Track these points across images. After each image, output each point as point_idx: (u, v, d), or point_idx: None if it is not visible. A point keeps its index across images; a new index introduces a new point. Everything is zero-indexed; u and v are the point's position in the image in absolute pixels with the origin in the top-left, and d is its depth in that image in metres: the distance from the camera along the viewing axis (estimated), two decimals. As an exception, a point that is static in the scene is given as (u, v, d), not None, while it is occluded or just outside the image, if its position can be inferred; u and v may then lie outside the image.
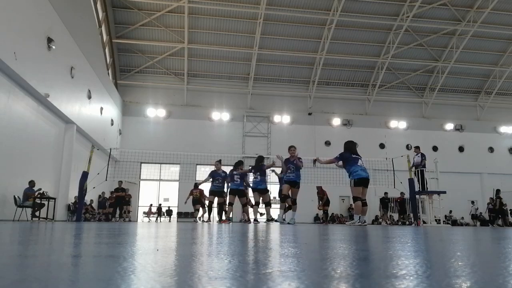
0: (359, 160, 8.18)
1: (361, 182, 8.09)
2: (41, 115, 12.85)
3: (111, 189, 17.46)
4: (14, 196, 11.05)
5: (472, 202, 22.80)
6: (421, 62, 24.87)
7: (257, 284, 0.73)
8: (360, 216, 7.98)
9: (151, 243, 1.97)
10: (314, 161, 11.55)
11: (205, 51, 23.40)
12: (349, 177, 8.19)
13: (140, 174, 21.56)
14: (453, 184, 21.12)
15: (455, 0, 21.85)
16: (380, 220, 18.78)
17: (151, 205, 21.79)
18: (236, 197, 10.45)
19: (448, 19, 22.77)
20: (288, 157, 9.88)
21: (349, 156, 8.18)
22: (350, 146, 8.33)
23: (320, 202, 14.89)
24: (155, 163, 21.32)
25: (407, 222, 17.02)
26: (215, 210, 11.61)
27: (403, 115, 25.79)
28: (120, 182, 16.46)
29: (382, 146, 24.65)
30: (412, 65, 25.11)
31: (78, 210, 12.31)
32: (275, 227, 6.54)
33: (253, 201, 10.73)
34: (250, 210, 11.03)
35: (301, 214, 16.60)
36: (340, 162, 8.21)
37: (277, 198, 12.35)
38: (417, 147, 13.73)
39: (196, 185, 16.19)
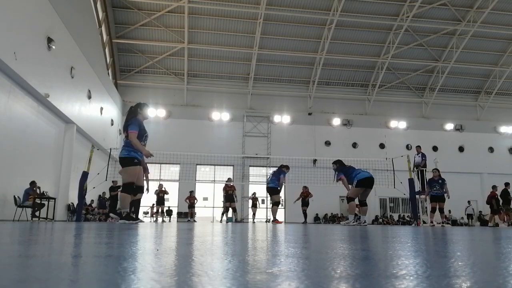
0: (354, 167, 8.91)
1: (364, 182, 8.25)
2: (41, 115, 12.86)
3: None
4: (14, 196, 11.05)
5: (468, 202, 22.84)
6: (421, 62, 24.87)
7: (257, 284, 0.73)
8: (360, 217, 8.05)
9: (151, 243, 1.97)
10: (314, 161, 12.21)
11: (205, 51, 23.40)
12: (352, 181, 8.43)
13: (140, 174, 21.54)
14: (453, 184, 21.06)
15: (455, 0, 21.86)
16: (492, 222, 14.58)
17: (153, 205, 21.75)
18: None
19: (448, 19, 22.77)
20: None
21: (344, 167, 8.81)
22: (341, 161, 8.96)
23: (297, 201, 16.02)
24: (155, 163, 21.29)
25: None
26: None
27: (403, 115, 25.79)
28: (115, 182, 16.49)
29: (382, 146, 24.65)
30: (412, 65, 25.11)
31: (78, 210, 12.32)
32: (277, 227, 6.54)
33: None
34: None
35: (301, 214, 16.67)
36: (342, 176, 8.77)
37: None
38: (419, 147, 13.71)
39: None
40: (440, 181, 11.85)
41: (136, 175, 5.98)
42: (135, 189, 6.22)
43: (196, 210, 18.68)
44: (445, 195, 11.74)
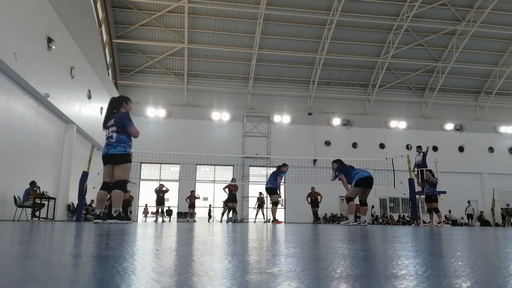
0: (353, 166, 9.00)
1: (364, 182, 8.27)
2: (41, 115, 12.86)
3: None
4: (14, 196, 11.05)
5: (468, 202, 22.88)
6: (421, 62, 24.87)
7: (257, 284, 0.73)
8: (360, 216, 8.07)
9: (151, 243, 1.97)
10: (314, 161, 12.44)
11: (205, 51, 23.40)
12: (352, 181, 8.47)
13: (140, 174, 21.55)
14: (453, 184, 21.13)
15: (455, 0, 21.85)
16: None
17: (146, 205, 21.75)
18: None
19: (448, 19, 22.76)
20: None
21: (344, 166, 8.88)
22: (341, 161, 9.04)
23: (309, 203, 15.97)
24: (155, 163, 21.33)
25: None
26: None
27: (403, 115, 25.79)
28: None
29: (382, 146, 24.65)
30: (412, 65, 25.10)
31: (78, 210, 12.32)
32: (276, 227, 6.54)
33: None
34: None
35: (301, 213, 16.67)
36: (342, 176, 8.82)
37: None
38: (419, 147, 13.69)
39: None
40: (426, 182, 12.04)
41: (130, 172, 5.85)
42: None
43: (196, 210, 18.66)
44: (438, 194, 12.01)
